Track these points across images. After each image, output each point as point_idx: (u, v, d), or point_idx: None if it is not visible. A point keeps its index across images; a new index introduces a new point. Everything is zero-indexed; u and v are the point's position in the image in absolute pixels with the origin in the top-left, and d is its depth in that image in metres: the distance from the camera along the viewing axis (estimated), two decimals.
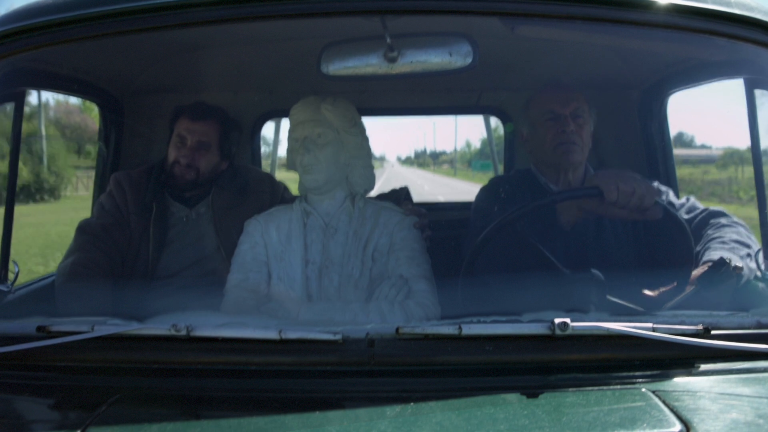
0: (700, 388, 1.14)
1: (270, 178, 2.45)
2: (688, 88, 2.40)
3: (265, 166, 3.66)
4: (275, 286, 1.79)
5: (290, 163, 1.91)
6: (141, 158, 2.61)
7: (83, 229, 2.13)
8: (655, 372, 1.19)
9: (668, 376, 1.18)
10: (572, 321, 1.21)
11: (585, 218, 1.90)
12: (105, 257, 2.07)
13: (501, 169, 3.63)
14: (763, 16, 1.42)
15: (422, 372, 1.22)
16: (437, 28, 1.59)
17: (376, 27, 1.47)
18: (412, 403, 1.08)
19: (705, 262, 1.60)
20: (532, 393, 1.12)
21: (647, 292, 1.55)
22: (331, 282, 1.77)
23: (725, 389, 1.14)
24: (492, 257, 1.70)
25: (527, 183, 2.03)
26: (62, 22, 1.43)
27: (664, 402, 1.06)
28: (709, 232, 1.75)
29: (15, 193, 2.11)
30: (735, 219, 1.79)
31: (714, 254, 1.61)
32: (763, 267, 1.65)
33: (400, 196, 2.17)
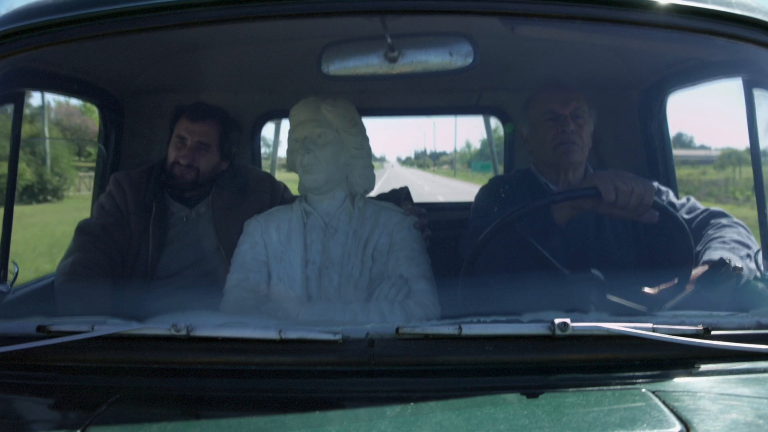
0: (700, 389, 1.14)
1: (270, 178, 2.45)
2: (688, 88, 2.40)
3: (265, 166, 3.66)
4: (275, 286, 1.79)
5: (290, 164, 1.91)
6: (141, 158, 2.61)
7: (83, 229, 2.13)
8: (655, 372, 1.19)
9: (668, 377, 1.18)
10: (572, 321, 1.21)
11: (585, 218, 1.90)
12: (105, 257, 2.07)
13: (501, 169, 3.63)
14: (763, 16, 1.42)
15: (422, 372, 1.22)
16: (437, 28, 1.59)
17: (377, 27, 1.47)
18: (412, 403, 1.08)
19: (705, 262, 1.60)
20: (532, 393, 1.12)
21: (647, 290, 1.55)
22: (331, 282, 1.77)
23: (725, 389, 1.14)
24: (491, 257, 1.70)
25: (527, 183, 2.03)
26: (62, 22, 1.43)
27: (664, 402, 1.06)
28: (710, 232, 1.75)
29: (15, 194, 2.11)
30: (735, 219, 1.79)
31: (714, 254, 1.61)
32: (762, 267, 1.65)
33: (400, 196, 2.17)
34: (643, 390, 1.12)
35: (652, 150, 2.59)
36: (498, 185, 2.12)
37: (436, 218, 2.06)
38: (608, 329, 1.20)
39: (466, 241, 1.92)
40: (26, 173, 18.12)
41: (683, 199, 1.94)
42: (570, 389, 1.14)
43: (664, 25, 1.42)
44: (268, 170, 3.61)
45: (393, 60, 1.56)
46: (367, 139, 1.91)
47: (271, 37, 2.23)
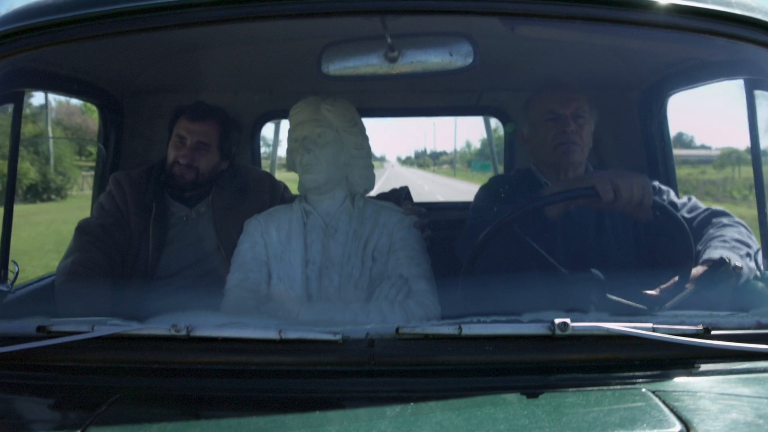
0: (700, 389, 1.14)
1: (270, 177, 2.45)
2: (688, 88, 2.40)
3: (265, 166, 3.66)
4: (275, 286, 1.79)
5: (290, 164, 1.91)
6: (141, 158, 2.61)
7: (83, 228, 2.13)
8: (655, 372, 1.19)
9: (668, 377, 1.18)
10: (572, 321, 1.21)
11: (584, 218, 1.90)
12: (105, 257, 2.07)
13: (501, 169, 3.63)
14: (764, 16, 1.42)
15: (422, 372, 1.22)
16: (437, 28, 1.59)
17: (377, 27, 1.47)
18: (412, 403, 1.08)
19: (705, 261, 1.60)
20: (532, 393, 1.12)
21: (648, 292, 1.55)
22: (331, 282, 1.77)
23: (725, 389, 1.14)
24: (488, 256, 1.70)
25: (527, 182, 2.03)
26: (62, 22, 1.43)
27: (664, 402, 1.06)
28: (711, 231, 1.75)
29: (14, 194, 2.11)
30: (737, 219, 1.79)
31: (714, 253, 1.61)
32: (762, 267, 1.65)
33: (400, 196, 2.17)
34: (643, 390, 1.12)
35: (653, 150, 2.59)
36: (498, 184, 2.12)
37: (436, 218, 2.06)
38: (608, 329, 1.20)
39: (460, 239, 1.92)
40: (30, 172, 18.27)
41: (684, 199, 1.94)
42: (570, 389, 1.14)
43: (664, 25, 1.42)
44: (268, 170, 3.61)
45: (393, 60, 1.55)
46: (367, 138, 1.91)
47: (271, 37, 2.23)
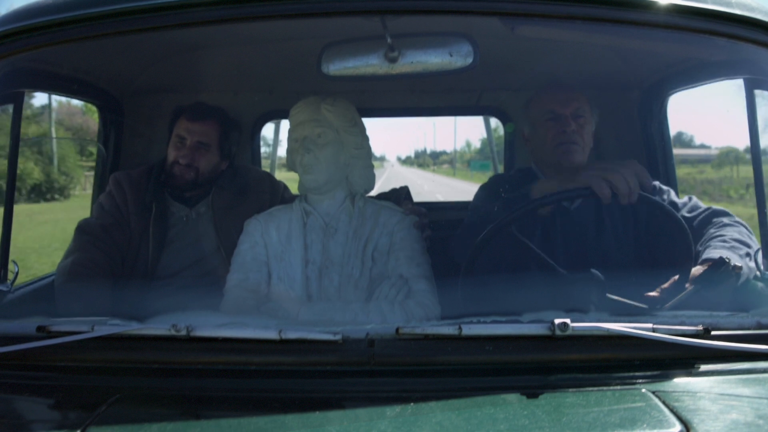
0: (700, 389, 1.14)
1: (270, 177, 2.45)
2: (688, 88, 2.40)
3: (265, 166, 3.66)
4: (275, 286, 1.79)
5: (290, 164, 1.91)
6: (141, 158, 2.61)
7: (83, 228, 2.13)
8: (655, 372, 1.19)
9: (668, 377, 1.18)
10: (572, 321, 1.21)
11: (584, 218, 1.90)
12: (105, 257, 2.07)
13: (501, 169, 3.63)
14: (763, 16, 1.42)
15: (422, 372, 1.22)
16: (437, 28, 1.59)
17: (377, 27, 1.47)
18: (412, 403, 1.08)
19: (704, 261, 1.60)
20: (532, 393, 1.12)
21: (649, 294, 1.54)
22: (331, 282, 1.77)
23: (725, 390, 1.14)
24: (487, 257, 1.70)
25: (528, 182, 2.03)
26: (62, 22, 1.43)
27: (664, 402, 1.06)
28: (711, 231, 1.75)
29: (14, 194, 2.11)
30: (737, 219, 1.79)
31: (714, 252, 1.61)
32: (762, 266, 1.65)
33: (400, 196, 2.17)
34: (643, 390, 1.12)
35: (653, 150, 2.60)
36: (498, 184, 2.12)
37: (436, 218, 2.06)
38: (608, 329, 1.20)
39: (456, 237, 1.92)
40: (34, 172, 18.38)
41: (685, 198, 1.94)
42: (570, 389, 1.14)
43: (664, 25, 1.42)
44: (268, 170, 3.61)
45: (393, 60, 1.55)
46: (367, 138, 1.91)
47: (271, 37, 2.23)
